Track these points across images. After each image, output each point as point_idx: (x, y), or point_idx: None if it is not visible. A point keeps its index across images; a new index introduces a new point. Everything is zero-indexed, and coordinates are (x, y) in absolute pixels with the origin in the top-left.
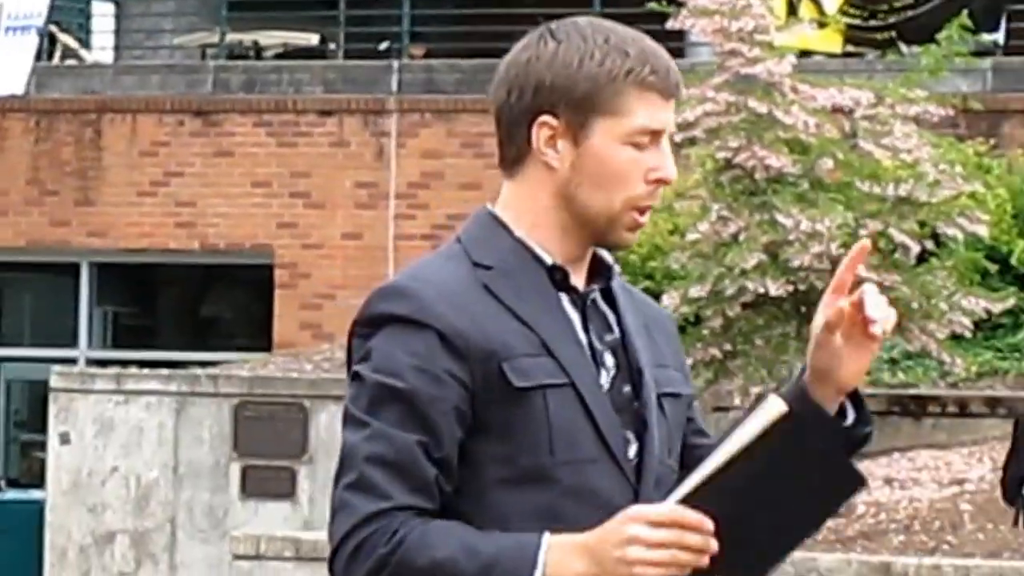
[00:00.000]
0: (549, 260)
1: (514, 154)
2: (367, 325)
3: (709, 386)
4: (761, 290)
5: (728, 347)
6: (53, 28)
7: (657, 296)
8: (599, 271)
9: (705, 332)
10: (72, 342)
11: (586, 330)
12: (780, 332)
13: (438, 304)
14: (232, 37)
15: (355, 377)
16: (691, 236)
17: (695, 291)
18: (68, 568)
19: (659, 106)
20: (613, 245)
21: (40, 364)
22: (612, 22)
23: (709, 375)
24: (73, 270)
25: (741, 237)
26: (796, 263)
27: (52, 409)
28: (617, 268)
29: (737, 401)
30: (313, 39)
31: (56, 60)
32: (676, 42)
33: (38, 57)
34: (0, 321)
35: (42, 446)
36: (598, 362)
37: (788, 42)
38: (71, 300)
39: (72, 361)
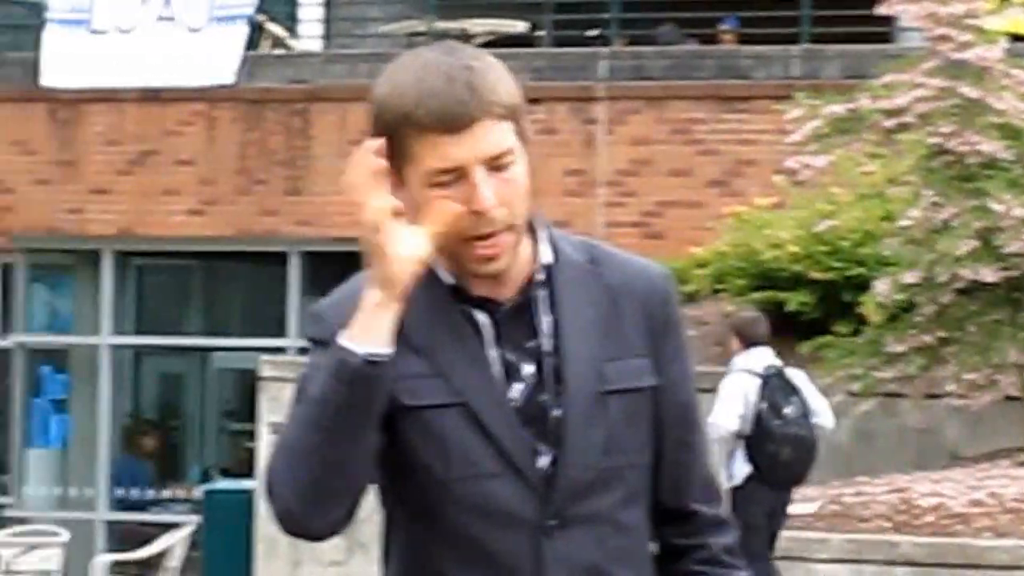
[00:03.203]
0: (450, 280)
1: None
2: (307, 348)
3: (922, 373)
4: (974, 277)
5: (941, 334)
6: (262, 18)
7: (868, 283)
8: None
9: (918, 319)
10: (281, 331)
11: (499, 341)
12: (993, 318)
13: (342, 327)
14: (440, 25)
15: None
16: (903, 222)
17: (907, 278)
18: (278, 558)
19: (445, 143)
20: (480, 276)
21: (249, 353)
22: (431, 53)
23: (922, 362)
24: (282, 259)
25: (953, 223)
26: (1009, 249)
27: (262, 399)
28: (557, 259)
29: (950, 388)
30: (521, 27)
31: (265, 49)
32: (885, 27)
33: (247, 47)
34: (209, 311)
35: (251, 436)
36: (511, 373)
37: (999, 26)
38: (280, 289)
39: (281, 350)
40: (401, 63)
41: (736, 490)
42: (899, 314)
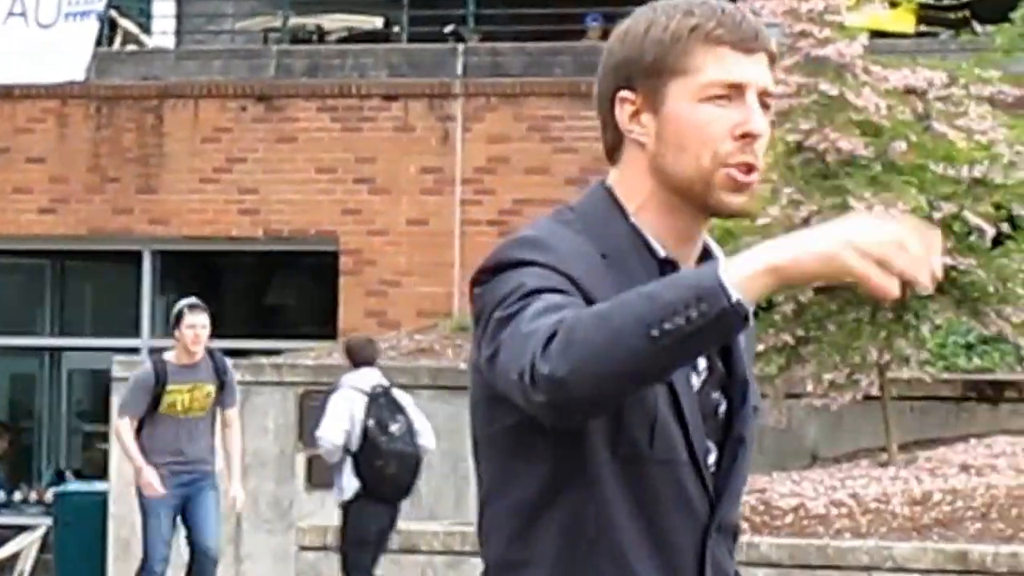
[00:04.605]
0: (661, 252)
1: (611, 142)
2: (499, 270)
3: (781, 372)
4: None
5: (800, 333)
6: (113, 13)
7: None
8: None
9: (777, 317)
10: (134, 331)
11: None
12: (853, 317)
13: (574, 263)
14: (295, 21)
15: (497, 308)
16: (762, 220)
17: None
18: (131, 559)
19: (734, 59)
20: (718, 211)
21: (102, 354)
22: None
23: (781, 361)
24: (135, 258)
25: (813, 221)
26: None
27: (115, 399)
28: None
29: (810, 387)
30: (377, 22)
31: (117, 46)
32: None
33: (98, 43)
34: (61, 311)
35: (104, 437)
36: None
37: (859, 22)
38: (133, 289)
39: (135, 351)
40: (659, 4)
41: (347, 505)
42: (758, 312)
